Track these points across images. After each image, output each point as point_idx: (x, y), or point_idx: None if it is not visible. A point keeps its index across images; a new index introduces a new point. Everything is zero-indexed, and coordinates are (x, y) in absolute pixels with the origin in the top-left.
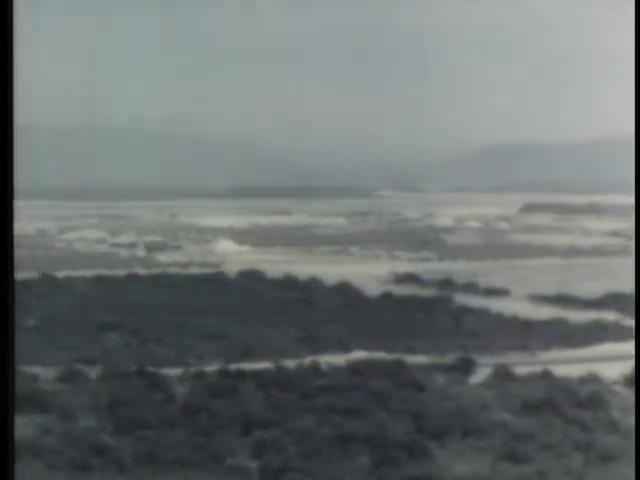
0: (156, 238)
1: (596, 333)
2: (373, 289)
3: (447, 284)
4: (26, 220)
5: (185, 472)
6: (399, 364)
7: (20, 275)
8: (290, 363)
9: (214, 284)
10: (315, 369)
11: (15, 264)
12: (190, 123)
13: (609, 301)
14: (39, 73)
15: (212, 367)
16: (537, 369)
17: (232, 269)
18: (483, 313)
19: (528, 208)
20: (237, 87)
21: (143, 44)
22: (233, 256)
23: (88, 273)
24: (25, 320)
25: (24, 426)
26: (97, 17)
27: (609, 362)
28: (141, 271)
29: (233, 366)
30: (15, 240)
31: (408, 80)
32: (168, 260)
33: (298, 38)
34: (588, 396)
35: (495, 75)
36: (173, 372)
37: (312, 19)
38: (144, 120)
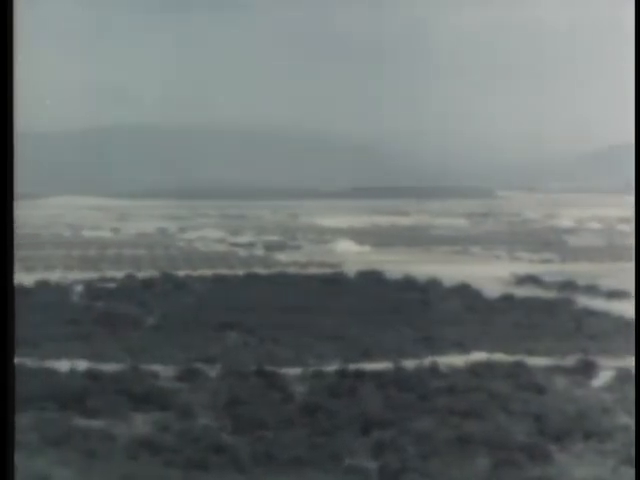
0: (275, 238)
1: None
2: (493, 290)
3: (568, 286)
4: (146, 219)
5: (303, 472)
6: (519, 366)
7: (141, 274)
8: (409, 364)
9: (333, 284)
10: (434, 370)
11: (136, 263)
12: (311, 122)
13: None
14: (140, 73)
15: (331, 367)
16: None
17: (351, 269)
18: (605, 315)
19: None
20: (360, 85)
21: (260, 40)
22: (352, 256)
23: (208, 272)
24: (146, 319)
25: (143, 423)
26: (210, 15)
27: None
28: (260, 270)
29: (352, 366)
30: (135, 239)
31: (521, 79)
32: (287, 260)
33: (422, 38)
34: None
35: (609, 74)
36: (292, 371)
37: (437, 19)
38: (262, 119)
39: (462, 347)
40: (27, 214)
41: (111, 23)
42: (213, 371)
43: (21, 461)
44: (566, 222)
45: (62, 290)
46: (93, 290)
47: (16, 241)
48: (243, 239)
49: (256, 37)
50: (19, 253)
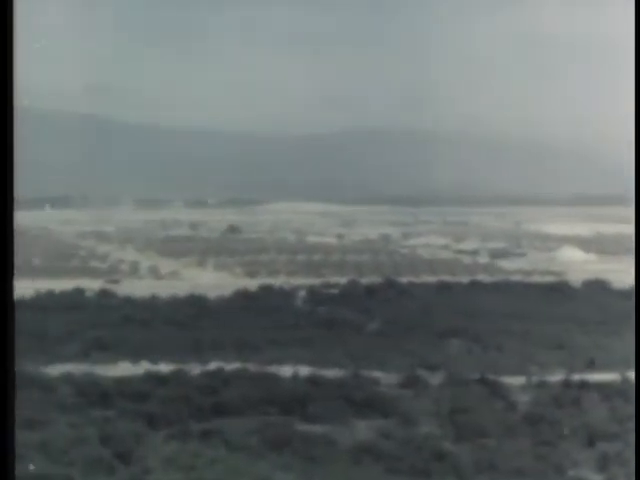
0: (500, 245)
1: None
2: None
3: None
4: (370, 225)
5: None
6: None
7: (364, 280)
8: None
9: (558, 292)
10: None
11: (360, 269)
12: (529, 127)
13: None
14: (362, 78)
15: (555, 377)
16: None
17: (576, 277)
18: None
19: None
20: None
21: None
22: (577, 264)
23: (431, 279)
24: (368, 325)
25: (365, 430)
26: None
27: None
28: (484, 278)
29: (576, 376)
30: (359, 245)
31: None
32: (511, 267)
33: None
34: None
35: None
36: (514, 380)
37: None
38: (486, 124)
39: None
40: (252, 220)
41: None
42: (435, 378)
43: (244, 465)
44: None
45: (285, 295)
46: (316, 295)
47: (241, 246)
48: (467, 246)
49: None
50: (244, 258)
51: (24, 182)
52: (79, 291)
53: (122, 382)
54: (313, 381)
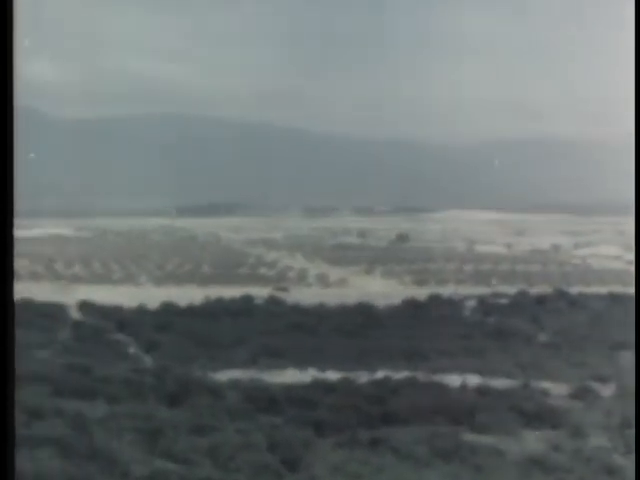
0: None
1: None
2: None
3: None
4: (541, 234)
5: None
6: None
7: (534, 290)
8: None
9: None
10: None
11: (529, 279)
12: None
13: None
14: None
15: None
16: None
17: None
18: None
19: None
20: None
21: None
22: None
23: (602, 290)
24: (538, 335)
25: (534, 441)
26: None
27: None
28: None
29: None
30: (529, 255)
31: None
32: None
33: None
34: None
35: None
36: None
37: None
38: None
39: None
40: (421, 228)
41: None
42: (607, 390)
43: (411, 473)
44: None
45: (454, 304)
46: (485, 305)
47: (409, 254)
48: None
49: None
50: (412, 267)
51: (198, 189)
52: (248, 298)
53: (289, 389)
54: (482, 391)
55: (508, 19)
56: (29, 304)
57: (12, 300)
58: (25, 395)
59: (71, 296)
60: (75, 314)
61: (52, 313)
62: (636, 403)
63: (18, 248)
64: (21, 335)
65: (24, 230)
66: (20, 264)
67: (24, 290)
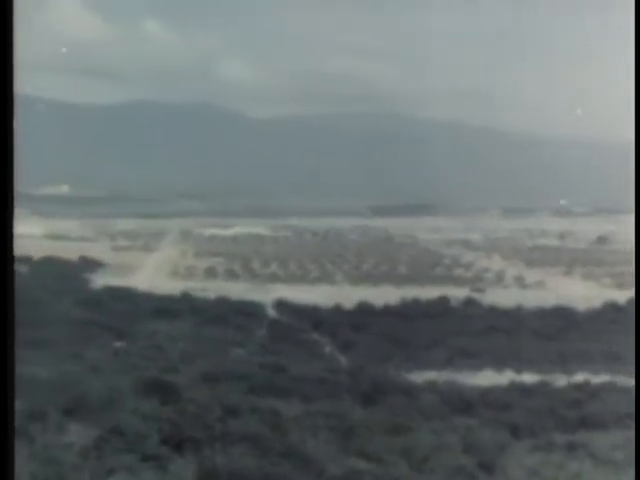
0: None
1: None
2: None
3: None
4: None
5: None
6: None
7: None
8: None
9: None
10: None
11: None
12: None
13: None
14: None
15: None
16: None
17: None
18: None
19: None
20: None
21: None
22: None
23: None
24: None
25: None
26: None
27: None
28: None
29: None
30: (616, 257)
31: None
32: None
33: None
34: None
35: None
36: None
37: None
38: None
39: None
40: (622, 229)
41: None
42: None
43: (608, 479)
44: None
45: None
46: None
47: (609, 257)
48: None
49: None
50: (613, 269)
51: (392, 189)
52: (444, 299)
53: (485, 391)
54: None
55: None
56: (225, 301)
57: (12, 300)
58: (222, 392)
59: (268, 295)
60: (271, 312)
61: (250, 311)
62: (636, 403)
63: (213, 247)
64: (219, 333)
65: (221, 229)
66: (216, 261)
67: (221, 288)
